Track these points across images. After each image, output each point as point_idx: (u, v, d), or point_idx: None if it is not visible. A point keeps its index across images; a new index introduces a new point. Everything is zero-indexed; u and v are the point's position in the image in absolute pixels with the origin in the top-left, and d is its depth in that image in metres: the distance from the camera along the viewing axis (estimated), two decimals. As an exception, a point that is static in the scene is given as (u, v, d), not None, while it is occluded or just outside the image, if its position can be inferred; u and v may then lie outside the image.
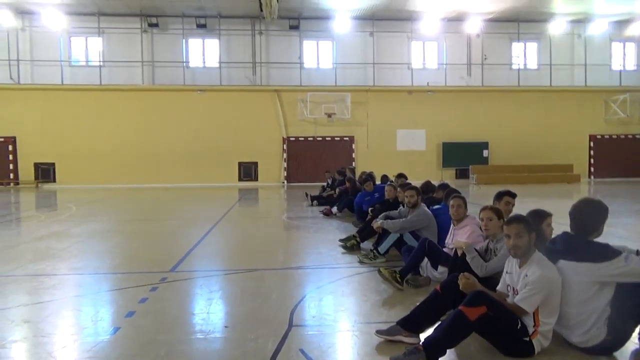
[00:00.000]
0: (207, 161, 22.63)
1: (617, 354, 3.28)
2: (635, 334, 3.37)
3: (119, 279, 5.67)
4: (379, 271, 5.02)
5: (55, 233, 9.05)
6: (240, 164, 23.14)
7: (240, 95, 22.83)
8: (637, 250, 3.48)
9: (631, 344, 3.36)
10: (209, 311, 4.38)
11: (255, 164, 23.25)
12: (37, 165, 22.29)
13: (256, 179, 23.21)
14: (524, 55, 24.71)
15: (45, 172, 22.35)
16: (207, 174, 22.57)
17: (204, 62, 23.39)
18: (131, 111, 22.34)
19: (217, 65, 23.08)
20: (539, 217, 3.92)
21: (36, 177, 22.24)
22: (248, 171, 23.24)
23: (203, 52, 23.39)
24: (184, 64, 23.00)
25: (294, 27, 22.95)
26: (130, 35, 22.48)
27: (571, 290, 3.25)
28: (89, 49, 22.97)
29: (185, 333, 3.87)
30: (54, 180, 22.33)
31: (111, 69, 22.56)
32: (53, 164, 22.33)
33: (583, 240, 3.30)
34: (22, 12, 21.69)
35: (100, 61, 22.57)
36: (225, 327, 3.99)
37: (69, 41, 22.81)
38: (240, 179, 23.13)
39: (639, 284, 3.14)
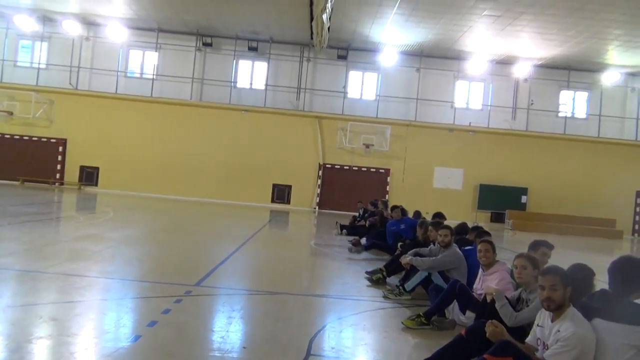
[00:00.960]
0: (243, 180, 22.99)
1: None
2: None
3: (145, 287, 5.77)
4: (403, 323, 4.88)
5: (91, 235, 9.34)
6: (274, 185, 23.39)
7: (282, 119, 23.25)
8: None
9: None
10: (228, 330, 4.38)
11: (290, 187, 23.44)
12: (82, 168, 23.21)
13: (288, 202, 23.35)
14: (573, 103, 24.17)
15: (89, 176, 23.23)
16: (242, 193, 22.90)
17: (251, 84, 24.05)
18: (177, 124, 23.10)
19: (264, 87, 23.68)
20: (583, 273, 3.73)
21: (80, 180, 23.13)
22: (281, 194, 23.43)
23: (251, 74, 24.07)
24: (232, 83, 23.71)
25: (342, 57, 23.35)
26: (184, 52, 23.43)
27: (605, 351, 3.06)
28: (145, 62, 24.06)
29: (203, 349, 3.87)
30: (97, 184, 23.16)
31: (163, 82, 23.49)
32: (97, 168, 23.21)
33: (621, 300, 3.13)
34: (88, 23, 23.02)
35: (154, 74, 23.56)
36: (244, 347, 3.98)
37: (128, 53, 23.98)
38: (273, 201, 23.32)
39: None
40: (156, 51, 23.46)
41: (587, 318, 3.17)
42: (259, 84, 23.88)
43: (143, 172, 22.81)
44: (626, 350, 3.00)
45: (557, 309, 3.20)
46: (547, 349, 3.15)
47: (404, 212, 10.41)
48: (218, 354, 3.76)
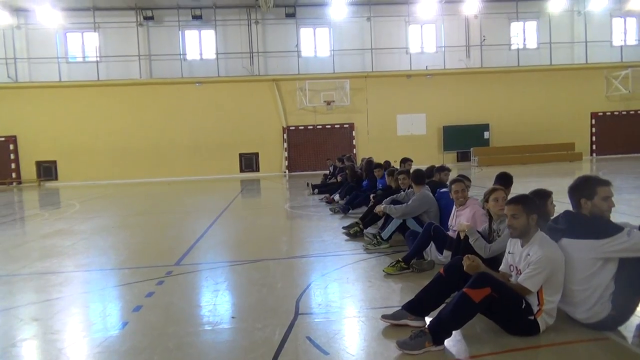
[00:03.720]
0: (208, 153, 22.65)
1: (621, 328, 3.31)
2: (639, 309, 3.38)
3: (125, 274, 5.71)
4: (384, 271, 5.02)
5: (60, 231, 9.10)
6: (241, 155, 23.15)
7: (238, 86, 22.76)
8: (639, 226, 3.47)
9: (635, 318, 3.38)
10: (215, 303, 4.42)
11: (256, 154, 23.25)
12: (38, 164, 22.35)
13: (257, 170, 23.23)
14: (523, 34, 24.48)
15: (47, 170, 22.42)
16: (209, 166, 22.61)
17: (201, 54, 23.29)
18: (130, 106, 22.33)
19: (214, 56, 22.98)
20: (541, 197, 3.92)
21: (38, 176, 22.30)
22: (249, 162, 23.26)
23: (200, 44, 23.28)
24: (181, 56, 22.90)
25: (290, 15, 22.77)
26: (126, 29, 22.36)
27: (574, 267, 3.26)
28: (85, 45, 22.88)
29: (193, 325, 3.90)
30: (56, 178, 22.41)
31: (108, 64, 22.49)
32: (55, 162, 22.39)
33: (584, 218, 3.30)
34: (17, 10, 21.60)
35: (97, 56, 22.48)
36: (233, 317, 4.03)
37: (65, 37, 22.73)
38: (241, 170, 23.16)
39: (641, 259, 3.14)
40: (95, 31, 22.31)
41: (555, 239, 3.34)
42: (210, 53, 23.16)
43: (103, 159, 22.16)
44: (593, 263, 3.20)
45: (520, 236, 3.36)
46: (520, 273, 3.32)
47: (380, 165, 10.38)
48: (209, 327, 3.80)
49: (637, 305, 3.33)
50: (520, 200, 3.39)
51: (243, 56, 23.02)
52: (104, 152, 22.16)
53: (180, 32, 22.78)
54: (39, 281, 5.50)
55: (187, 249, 6.84)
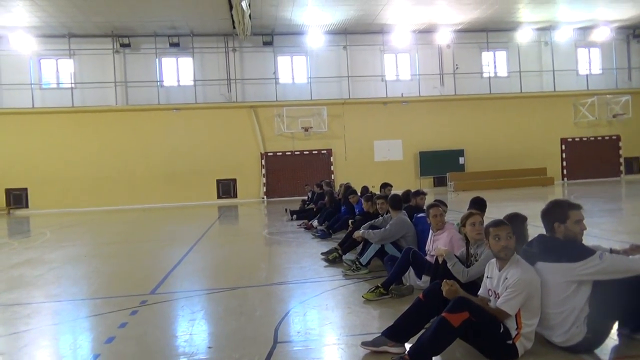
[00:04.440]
0: (185, 180, 22.42)
1: (597, 351, 3.34)
2: (614, 331, 3.44)
3: (97, 304, 5.53)
4: (364, 297, 4.99)
5: (29, 260, 8.79)
6: (218, 181, 22.98)
7: (216, 113, 22.77)
8: (611, 249, 3.56)
9: (611, 341, 3.43)
10: (191, 332, 4.30)
11: (234, 180, 23.12)
12: (8, 191, 21.72)
13: (235, 196, 23.06)
14: (494, 63, 25.33)
15: (17, 198, 21.79)
16: (185, 193, 22.34)
17: (179, 81, 23.29)
18: (105, 132, 22.05)
19: (192, 83, 23.01)
20: (517, 221, 3.99)
21: (7, 204, 21.64)
22: (227, 188, 23.08)
23: (177, 71, 23.30)
24: (158, 83, 22.86)
25: (268, 44, 23.07)
26: (102, 56, 22.26)
27: (550, 291, 3.30)
28: (60, 71, 22.63)
29: (168, 356, 3.78)
30: (27, 206, 21.77)
31: (83, 90, 22.27)
32: (25, 189, 21.80)
33: (558, 242, 3.37)
34: (-11, 36, 21.30)
35: (72, 83, 22.25)
36: (209, 347, 3.93)
37: (39, 64, 22.46)
38: (219, 197, 22.95)
39: (614, 281, 3.21)
40: (70, 58, 22.14)
41: (530, 263, 3.39)
42: (187, 80, 23.18)
43: (76, 187, 21.68)
44: (568, 286, 3.25)
45: (510, 257, 3.39)
46: (498, 297, 3.34)
47: (355, 192, 10.47)
48: (184, 358, 3.69)
49: (611, 328, 3.38)
50: (509, 221, 3.49)
51: (221, 83, 23.11)
52: (77, 180, 21.70)
53: (157, 59, 22.79)
54: (5, 313, 5.27)
55: (162, 277, 6.68)
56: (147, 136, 22.30)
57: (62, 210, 21.06)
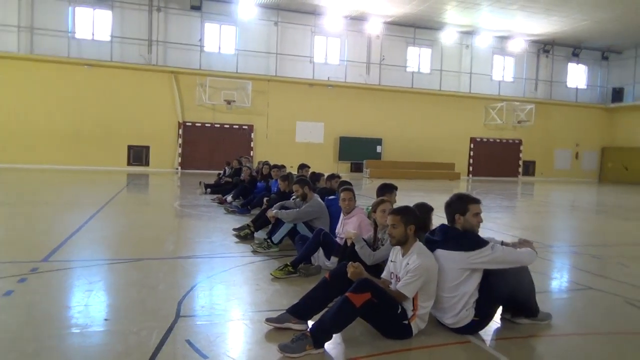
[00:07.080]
0: (93, 142, 20.94)
1: (481, 332, 3.66)
2: (497, 315, 3.80)
3: (-20, 268, 5.03)
4: (272, 274, 5.02)
5: None
6: (130, 147, 21.75)
7: (133, 74, 21.42)
8: (502, 241, 3.89)
9: (494, 324, 3.78)
10: (87, 304, 4.06)
11: (147, 148, 22.01)
12: None
13: (147, 164, 22.00)
14: (418, 59, 26.28)
15: None
16: (93, 156, 20.91)
17: (94, 34, 21.51)
18: (5, 82, 19.88)
19: (109, 39, 21.38)
20: (424, 210, 4.22)
21: None
22: (138, 155, 21.93)
23: (93, 23, 21.49)
24: (70, 33, 20.96)
25: (196, 8, 22.01)
26: (4, -4, 19.90)
27: (445, 276, 3.56)
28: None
29: (57, 328, 3.54)
30: None
31: (-21, 31, 19.84)
32: None
33: (457, 232, 3.62)
34: None
35: (-35, 21, 19.70)
36: (106, 320, 3.73)
37: None
38: (129, 163, 21.75)
39: (501, 270, 3.55)
40: (-34, -7, 19.55)
41: (431, 249, 3.62)
42: (103, 35, 21.48)
43: (-36, 139, 19.41)
44: (461, 273, 3.53)
45: (398, 243, 3.59)
46: (399, 280, 3.52)
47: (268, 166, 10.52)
48: (76, 330, 3.48)
49: (495, 312, 3.72)
50: (400, 211, 3.64)
51: (141, 43, 21.70)
52: (-35, 131, 19.43)
53: (70, 7, 20.85)
54: None
55: (58, 244, 6.22)
56: (54, 90, 20.43)
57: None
